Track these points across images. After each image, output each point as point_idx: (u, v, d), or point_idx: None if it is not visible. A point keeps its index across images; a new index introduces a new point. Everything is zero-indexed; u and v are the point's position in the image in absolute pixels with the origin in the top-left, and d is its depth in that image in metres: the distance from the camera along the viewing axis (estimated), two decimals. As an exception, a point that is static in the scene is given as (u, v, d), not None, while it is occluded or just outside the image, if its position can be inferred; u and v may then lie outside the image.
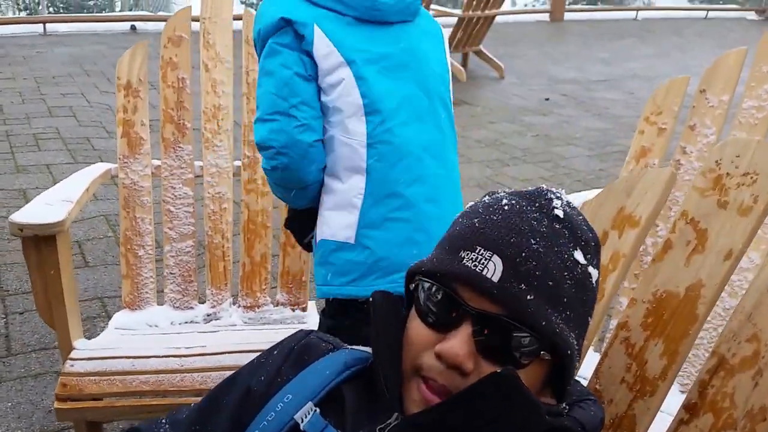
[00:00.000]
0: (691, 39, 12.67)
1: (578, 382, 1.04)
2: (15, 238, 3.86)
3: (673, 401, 1.15)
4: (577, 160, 5.86)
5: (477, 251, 0.87)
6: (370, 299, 0.98)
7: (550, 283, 0.86)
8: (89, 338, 2.11)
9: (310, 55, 1.63)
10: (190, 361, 1.96)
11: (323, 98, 1.67)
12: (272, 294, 2.41)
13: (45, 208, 1.93)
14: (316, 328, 2.29)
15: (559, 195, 0.94)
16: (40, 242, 1.87)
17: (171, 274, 2.37)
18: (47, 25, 10.40)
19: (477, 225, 0.90)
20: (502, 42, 10.55)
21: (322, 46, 1.63)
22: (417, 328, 0.91)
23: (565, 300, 0.88)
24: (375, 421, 0.93)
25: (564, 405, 0.96)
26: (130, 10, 21.32)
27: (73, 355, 1.97)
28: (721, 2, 19.23)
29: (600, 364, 1.17)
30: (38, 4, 12.38)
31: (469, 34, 8.58)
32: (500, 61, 8.98)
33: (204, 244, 2.40)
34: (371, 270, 1.70)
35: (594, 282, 0.93)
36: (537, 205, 0.92)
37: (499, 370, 0.85)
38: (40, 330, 3.02)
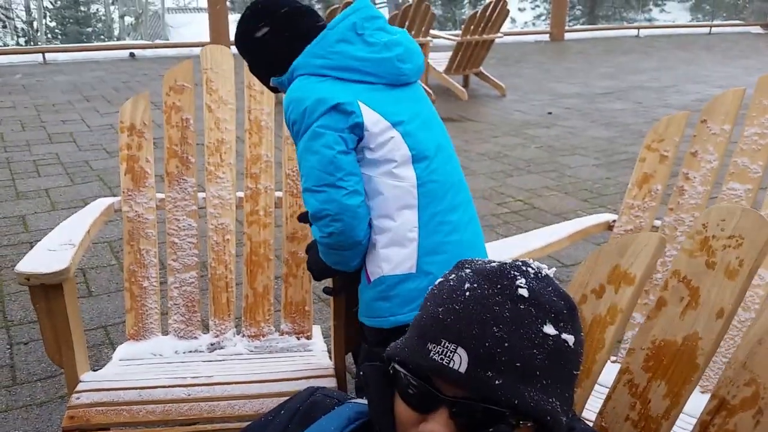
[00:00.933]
0: (697, 52, 12.73)
1: (581, 420, 1.08)
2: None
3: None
4: (582, 170, 5.90)
5: (442, 344, 0.91)
6: (361, 373, 1.04)
7: (518, 364, 0.90)
8: (93, 365, 2.14)
9: (359, 126, 1.82)
10: (197, 390, 1.99)
11: (370, 155, 1.86)
12: (276, 321, 2.45)
13: (48, 255, 1.97)
14: (321, 353, 2.34)
15: (524, 270, 0.97)
16: (48, 289, 1.91)
17: (175, 304, 2.41)
18: (47, 54, 10.52)
19: (441, 316, 0.93)
20: (503, 62, 10.65)
21: (369, 115, 1.83)
22: (401, 407, 0.97)
23: (539, 373, 0.91)
24: None
25: None
26: (128, 35, 21.55)
27: (79, 387, 2.01)
28: (723, 17, 19.36)
29: (604, 405, 1.21)
30: (36, 31, 12.53)
31: (468, 57, 8.68)
32: (501, 80, 9.09)
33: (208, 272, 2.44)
34: None
35: (571, 344, 0.95)
36: (499, 287, 0.94)
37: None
38: (45, 359, 3.05)
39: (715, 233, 1.11)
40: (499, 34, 8.92)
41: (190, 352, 2.37)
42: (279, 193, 2.44)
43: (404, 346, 0.98)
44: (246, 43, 1.98)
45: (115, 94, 8.30)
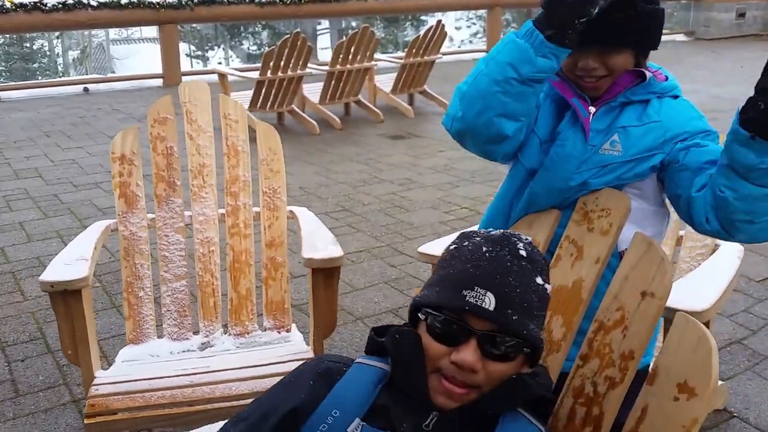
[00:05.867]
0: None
1: None
2: (4, 294, 4.18)
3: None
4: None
5: (475, 290, 1.25)
6: (396, 336, 1.35)
7: (525, 304, 1.26)
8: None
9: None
10: (198, 378, 2.33)
11: None
12: (259, 320, 2.79)
13: (66, 267, 2.32)
14: (299, 342, 2.67)
15: (520, 237, 1.33)
16: (68, 295, 2.25)
17: (168, 311, 2.74)
18: (1, 92, 10.71)
19: (471, 270, 1.28)
20: (445, 80, 11.07)
21: None
22: (431, 343, 1.29)
23: (535, 312, 1.29)
24: (414, 415, 1.30)
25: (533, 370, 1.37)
26: (75, 69, 21.61)
27: (95, 381, 2.34)
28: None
29: None
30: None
31: (412, 77, 9.15)
32: (445, 97, 9.51)
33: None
34: None
35: (548, 292, 1.34)
36: (507, 249, 1.29)
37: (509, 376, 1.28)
38: (43, 372, 3.35)
39: (592, 208, 1.54)
40: (439, 55, 9.42)
41: (184, 351, 2.70)
42: (256, 209, 2.80)
43: (437, 295, 1.29)
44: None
45: (73, 129, 8.54)
